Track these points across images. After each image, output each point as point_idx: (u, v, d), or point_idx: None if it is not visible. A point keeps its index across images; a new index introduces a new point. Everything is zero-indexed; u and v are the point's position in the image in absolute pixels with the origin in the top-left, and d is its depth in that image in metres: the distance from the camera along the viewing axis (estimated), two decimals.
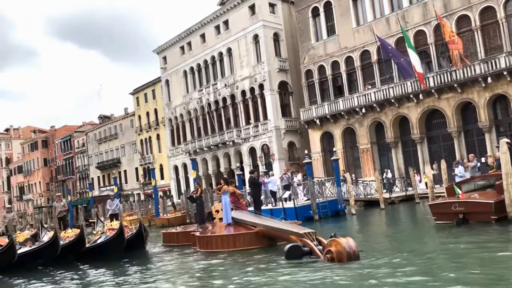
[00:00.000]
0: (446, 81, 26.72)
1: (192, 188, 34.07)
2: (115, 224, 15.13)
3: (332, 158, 23.48)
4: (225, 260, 10.66)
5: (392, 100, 29.17)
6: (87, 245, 14.36)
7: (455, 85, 26.35)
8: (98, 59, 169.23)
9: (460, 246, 9.43)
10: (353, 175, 29.26)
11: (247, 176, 29.39)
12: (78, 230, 14.21)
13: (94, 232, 16.48)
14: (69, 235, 14.22)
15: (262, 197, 20.27)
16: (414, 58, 26.18)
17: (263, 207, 17.97)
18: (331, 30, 33.41)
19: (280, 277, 7.83)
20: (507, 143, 11.87)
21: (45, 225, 27.33)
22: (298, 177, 24.78)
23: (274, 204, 20.73)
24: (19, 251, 13.26)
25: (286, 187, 21.24)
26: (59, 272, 11.82)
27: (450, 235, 11.05)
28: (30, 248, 13.52)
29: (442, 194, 16.28)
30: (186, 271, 10.25)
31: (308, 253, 8.95)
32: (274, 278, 7.83)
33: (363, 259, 8.19)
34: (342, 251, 7.78)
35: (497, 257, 7.98)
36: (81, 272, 11.94)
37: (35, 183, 74.64)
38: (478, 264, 7.55)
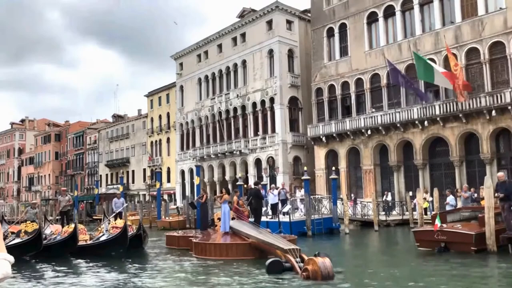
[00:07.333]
0: (451, 110, 27.23)
1: (196, 194, 34.76)
2: (119, 222, 15.47)
3: (330, 177, 24.03)
4: (206, 269, 11.26)
5: (398, 125, 29.71)
6: (90, 242, 14.99)
7: (460, 115, 26.85)
8: (117, 59, 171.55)
9: (434, 273, 10.00)
10: (352, 195, 29.79)
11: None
12: (80, 225, 14.74)
13: (99, 229, 16.71)
14: (71, 230, 14.43)
15: (264, 209, 20.90)
16: (437, 67, 26.64)
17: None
18: (344, 51, 34.14)
19: None
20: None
21: (50, 218, 28.05)
22: (302, 192, 25.13)
23: (271, 216, 21.35)
24: (11, 242, 13.99)
25: (283, 202, 21.86)
26: (45, 266, 12.64)
27: (428, 262, 11.62)
28: (16, 242, 14.08)
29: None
30: (164, 274, 11.01)
31: (289, 269, 9.50)
32: None
33: (337, 279, 8.74)
34: (317, 270, 8.33)
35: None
36: (71, 267, 12.71)
37: (45, 175, 75.84)
38: None
